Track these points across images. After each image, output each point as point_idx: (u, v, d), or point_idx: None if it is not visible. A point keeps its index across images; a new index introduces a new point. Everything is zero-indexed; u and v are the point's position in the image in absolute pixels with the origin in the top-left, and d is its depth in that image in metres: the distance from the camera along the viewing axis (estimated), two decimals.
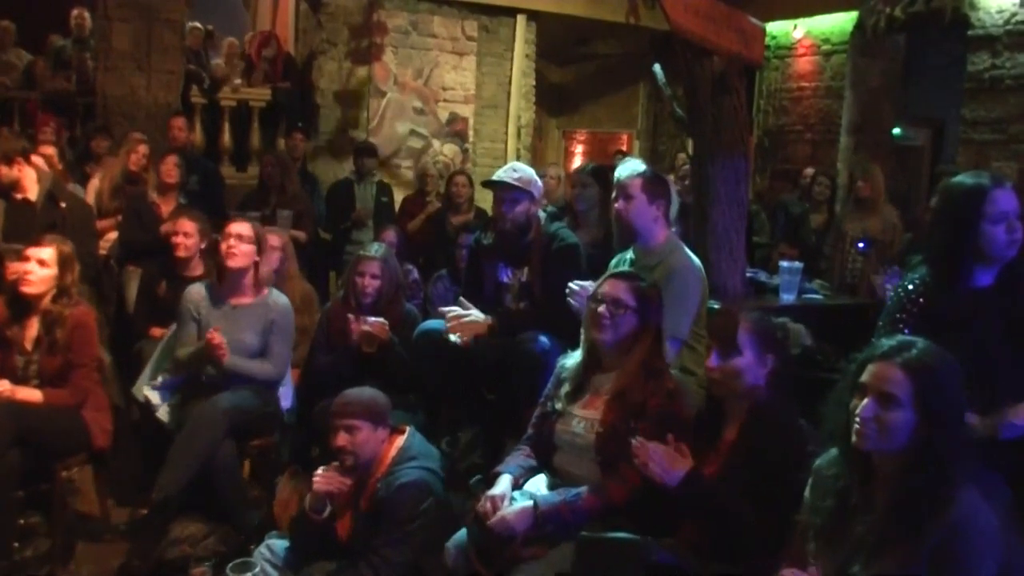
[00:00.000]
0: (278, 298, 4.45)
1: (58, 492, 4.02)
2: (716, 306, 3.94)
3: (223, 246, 4.32)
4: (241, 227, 4.36)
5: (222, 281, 4.38)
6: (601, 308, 3.09)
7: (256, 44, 9.53)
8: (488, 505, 2.95)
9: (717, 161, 4.96)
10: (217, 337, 4.08)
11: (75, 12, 9.07)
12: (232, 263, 4.30)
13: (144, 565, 3.85)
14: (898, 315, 2.91)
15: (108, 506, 4.35)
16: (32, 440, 3.80)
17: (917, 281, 2.95)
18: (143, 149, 6.52)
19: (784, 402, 2.86)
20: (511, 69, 9.81)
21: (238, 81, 9.10)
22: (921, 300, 2.89)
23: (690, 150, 6.40)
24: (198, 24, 9.62)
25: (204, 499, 4.00)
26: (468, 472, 3.63)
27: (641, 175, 3.85)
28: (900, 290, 2.98)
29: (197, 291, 4.42)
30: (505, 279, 4.23)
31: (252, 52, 9.43)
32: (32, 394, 3.91)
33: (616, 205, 3.90)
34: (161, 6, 8.34)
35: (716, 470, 2.79)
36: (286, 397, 4.49)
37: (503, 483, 3.07)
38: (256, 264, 4.38)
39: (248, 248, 4.32)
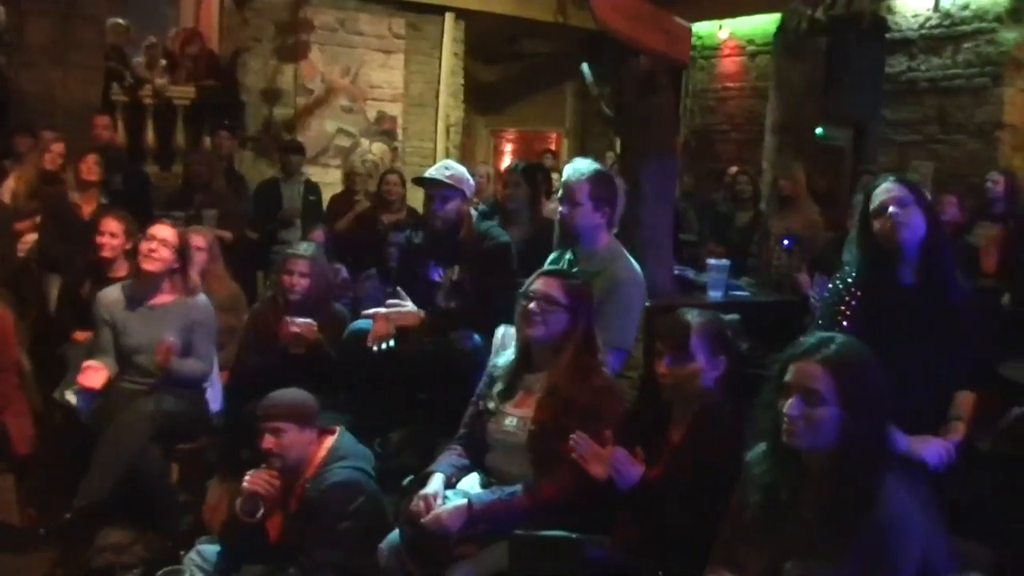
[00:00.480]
0: (198, 298, 4.37)
1: None
2: (647, 304, 3.98)
3: (143, 247, 4.24)
4: (165, 232, 4.28)
5: (139, 282, 4.30)
6: (532, 305, 3.09)
7: (180, 41, 9.36)
8: (421, 504, 2.93)
9: (645, 160, 5.01)
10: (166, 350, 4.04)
11: None
12: (149, 266, 4.21)
13: (68, 575, 3.76)
14: (838, 307, 2.99)
15: (30, 515, 4.23)
16: None
17: (856, 274, 3.04)
18: (58, 148, 6.37)
19: (730, 403, 2.86)
20: (439, 67, 9.79)
21: (161, 80, 8.92)
22: (859, 293, 2.98)
23: (618, 149, 6.47)
24: (120, 20, 9.40)
25: (131, 505, 3.92)
26: (400, 472, 3.61)
27: (589, 179, 3.75)
28: (839, 283, 3.07)
29: (111, 294, 4.32)
30: (436, 278, 4.22)
31: (176, 49, 9.25)
32: None
33: (560, 208, 3.83)
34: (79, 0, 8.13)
35: (661, 470, 2.80)
36: (215, 399, 4.43)
37: (436, 482, 3.05)
38: (175, 270, 4.29)
39: (167, 254, 4.23)
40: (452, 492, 3.03)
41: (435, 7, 9.64)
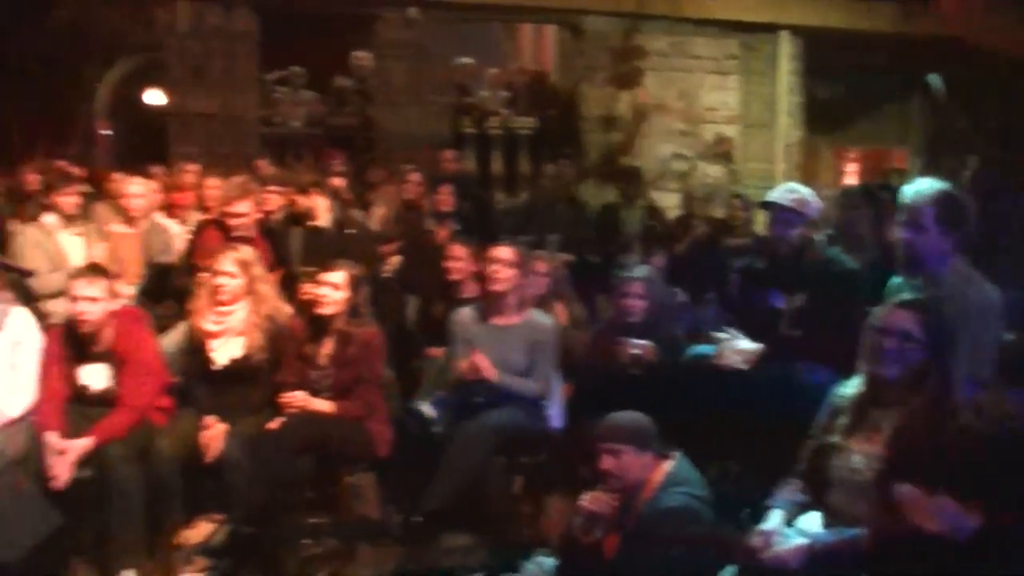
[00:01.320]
0: (542, 318, 4.59)
1: (343, 496, 4.35)
2: (1010, 337, 3.64)
3: (487, 270, 4.52)
4: (504, 252, 4.53)
5: (487, 302, 4.58)
6: (887, 342, 2.93)
7: (522, 74, 9.87)
8: (760, 540, 2.89)
9: (1005, 175, 4.62)
10: (482, 361, 4.27)
11: (355, 54, 9.75)
12: (495, 287, 4.48)
13: (417, 571, 4.07)
14: None
15: (387, 511, 4.58)
16: (322, 447, 4.14)
17: None
18: (416, 178, 6.98)
19: None
20: (775, 87, 9.59)
21: (505, 111, 9.45)
22: None
23: (972, 165, 6.01)
24: (465, 59, 10.07)
25: (477, 512, 4.17)
26: (736, 503, 3.54)
27: (935, 202, 3.36)
28: None
29: (465, 313, 4.65)
30: (779, 305, 4.08)
31: (518, 82, 9.76)
32: (324, 405, 4.23)
33: (903, 234, 3.43)
34: (432, 43, 8.85)
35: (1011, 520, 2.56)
36: (557, 416, 4.60)
37: (775, 518, 3.00)
38: (520, 287, 4.53)
39: (510, 272, 4.48)
40: (791, 530, 2.94)
41: (769, 26, 9.47)
